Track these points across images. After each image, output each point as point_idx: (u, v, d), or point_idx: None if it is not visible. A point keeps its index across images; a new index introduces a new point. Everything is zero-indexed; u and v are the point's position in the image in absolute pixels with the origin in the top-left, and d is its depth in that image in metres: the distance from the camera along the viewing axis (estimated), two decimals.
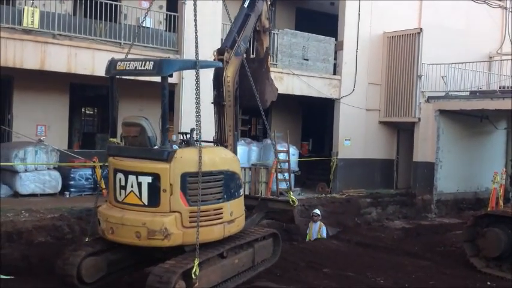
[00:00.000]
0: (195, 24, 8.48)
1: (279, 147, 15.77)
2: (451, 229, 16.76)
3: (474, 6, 22.43)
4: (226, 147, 9.49)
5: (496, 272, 11.57)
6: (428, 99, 19.46)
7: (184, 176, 8.06)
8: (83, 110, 20.22)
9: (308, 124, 22.51)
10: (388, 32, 20.30)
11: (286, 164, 16.57)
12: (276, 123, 20.24)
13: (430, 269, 12.03)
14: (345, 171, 19.18)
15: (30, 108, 15.53)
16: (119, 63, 8.46)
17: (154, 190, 8.00)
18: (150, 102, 16.12)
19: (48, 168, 14.24)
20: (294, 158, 17.85)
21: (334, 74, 19.44)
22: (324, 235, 13.97)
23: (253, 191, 16.52)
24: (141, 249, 8.30)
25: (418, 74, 19.49)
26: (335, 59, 19.52)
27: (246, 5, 10.16)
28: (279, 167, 15.79)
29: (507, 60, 21.21)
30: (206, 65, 8.85)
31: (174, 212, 8.02)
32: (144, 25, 14.58)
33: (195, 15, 8.58)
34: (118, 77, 8.90)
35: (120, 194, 8.28)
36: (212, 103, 9.68)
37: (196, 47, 8.25)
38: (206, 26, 13.80)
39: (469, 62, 20.10)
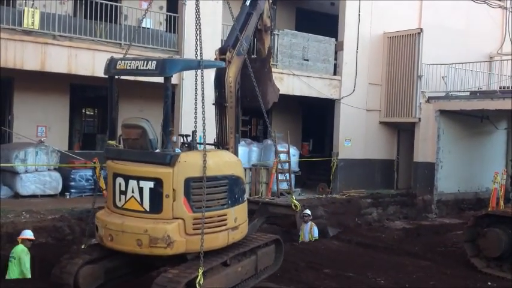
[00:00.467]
0: (199, 23, 8.16)
1: (279, 148, 15.75)
2: (451, 229, 16.77)
3: (474, 6, 22.41)
4: (227, 149, 9.18)
5: (496, 272, 11.57)
6: (429, 99, 19.47)
7: (188, 181, 7.73)
8: (83, 110, 20.21)
9: (308, 124, 22.50)
10: (389, 32, 20.31)
11: (287, 164, 16.56)
12: (277, 124, 20.23)
13: (431, 269, 12.03)
14: (345, 171, 19.19)
15: (30, 109, 15.54)
16: (119, 62, 8.13)
17: (157, 196, 7.65)
18: (151, 103, 16.18)
19: (49, 169, 14.25)
20: (295, 159, 17.86)
21: (335, 74, 19.45)
22: (316, 235, 13.83)
23: (254, 191, 16.52)
24: (141, 257, 7.95)
25: (419, 74, 19.51)
26: (335, 59, 19.54)
27: (247, 3, 9.92)
28: (279, 167, 15.75)
29: (507, 60, 21.19)
30: (209, 64, 8.59)
31: (177, 218, 7.68)
32: (144, 26, 14.59)
33: (198, 11, 8.29)
34: (117, 76, 8.54)
35: (120, 200, 7.92)
36: (213, 104, 9.40)
37: (200, 47, 7.99)
38: (206, 26, 13.67)
39: (470, 62, 20.12)
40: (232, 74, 9.18)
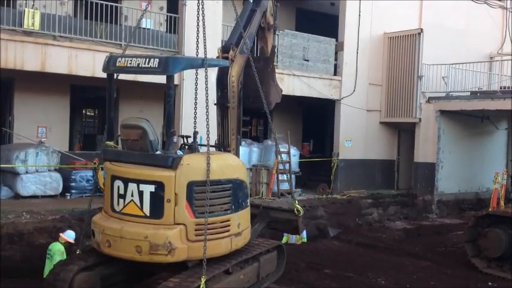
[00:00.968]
0: (203, 19, 7.94)
1: (279, 148, 15.72)
2: (452, 229, 16.79)
3: (474, 6, 22.41)
4: (229, 151, 8.92)
5: (497, 273, 11.59)
6: (429, 99, 19.47)
7: (191, 185, 7.37)
8: (83, 111, 20.24)
9: (309, 125, 22.50)
10: (389, 32, 20.30)
11: (287, 164, 16.53)
12: (277, 124, 20.16)
13: (431, 269, 12.05)
14: (345, 171, 19.18)
15: (31, 109, 15.54)
16: (119, 59, 7.71)
17: (157, 200, 7.30)
18: (151, 103, 16.18)
19: (49, 170, 14.25)
20: (295, 159, 17.85)
21: (335, 74, 19.44)
22: (304, 236, 13.62)
23: (254, 192, 16.51)
24: (140, 264, 7.58)
25: (419, 74, 19.50)
26: (335, 59, 19.52)
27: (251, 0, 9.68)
28: (280, 167, 15.70)
29: (508, 60, 21.17)
30: (213, 63, 8.27)
31: (179, 224, 7.32)
32: (144, 26, 14.57)
33: (202, 9, 8.13)
34: (116, 74, 8.25)
35: (119, 203, 7.53)
36: (215, 104, 9.15)
37: (204, 45, 7.75)
38: (206, 27, 13.65)
39: (470, 63, 20.11)
40: (235, 73, 8.93)
